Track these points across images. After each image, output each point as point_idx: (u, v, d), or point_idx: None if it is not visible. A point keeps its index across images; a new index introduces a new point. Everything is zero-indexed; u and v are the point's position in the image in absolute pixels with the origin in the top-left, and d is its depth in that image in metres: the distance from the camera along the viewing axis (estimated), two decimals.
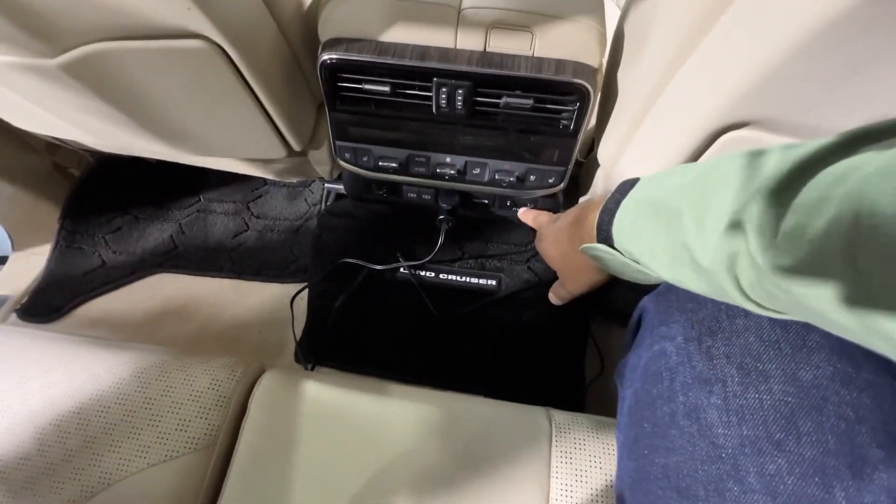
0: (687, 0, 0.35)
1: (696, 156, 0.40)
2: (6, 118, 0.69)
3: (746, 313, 0.24)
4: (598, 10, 0.48)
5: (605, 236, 0.34)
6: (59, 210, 0.92)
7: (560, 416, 0.40)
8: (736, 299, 0.22)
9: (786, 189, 0.19)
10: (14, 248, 0.92)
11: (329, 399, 0.40)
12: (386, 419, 0.39)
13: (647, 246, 0.29)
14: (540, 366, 0.68)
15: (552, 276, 0.74)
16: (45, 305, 0.85)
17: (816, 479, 0.19)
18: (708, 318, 0.26)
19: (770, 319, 0.23)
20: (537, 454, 0.37)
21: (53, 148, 0.88)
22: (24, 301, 0.86)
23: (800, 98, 0.30)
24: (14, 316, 0.85)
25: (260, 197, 0.97)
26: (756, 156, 0.23)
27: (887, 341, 0.15)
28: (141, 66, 0.47)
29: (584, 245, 0.37)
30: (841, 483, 0.19)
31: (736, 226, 0.21)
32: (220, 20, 0.42)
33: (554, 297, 0.58)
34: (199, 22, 0.42)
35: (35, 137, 0.85)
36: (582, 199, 0.64)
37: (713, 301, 0.26)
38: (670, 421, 0.25)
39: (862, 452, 0.19)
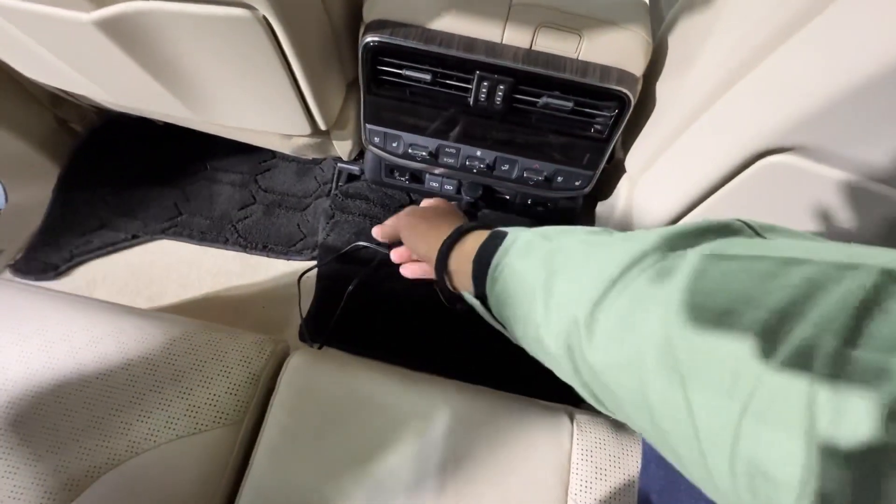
0: (754, 17, 0.35)
1: (730, 176, 0.41)
2: (16, 66, 0.66)
3: None
4: (644, 20, 0.48)
5: (479, 290, 0.31)
6: (59, 165, 0.89)
7: (581, 415, 0.41)
8: (579, 390, 0.24)
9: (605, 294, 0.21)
10: (8, 199, 0.88)
11: (357, 382, 0.40)
12: (414, 407, 0.40)
13: (509, 313, 0.29)
14: (543, 368, 0.70)
15: None
16: (41, 263, 0.83)
17: None
18: None
19: None
20: (558, 450, 0.39)
21: (57, 101, 0.84)
22: (18, 257, 0.83)
23: (860, 130, 0.31)
24: (7, 272, 0.82)
25: (268, 170, 0.95)
26: (595, 245, 0.24)
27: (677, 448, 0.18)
28: (179, 30, 0.46)
29: (465, 294, 0.34)
30: None
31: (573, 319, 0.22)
32: None
33: (407, 270, 0.46)
34: None
35: (39, 88, 0.81)
36: (600, 206, 0.65)
37: None
38: None
39: None
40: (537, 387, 0.69)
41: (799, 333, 0.15)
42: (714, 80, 0.39)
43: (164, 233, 0.87)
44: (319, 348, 0.71)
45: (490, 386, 0.70)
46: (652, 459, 0.32)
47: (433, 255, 0.36)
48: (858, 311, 0.14)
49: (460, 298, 0.40)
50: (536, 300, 0.25)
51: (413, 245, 0.40)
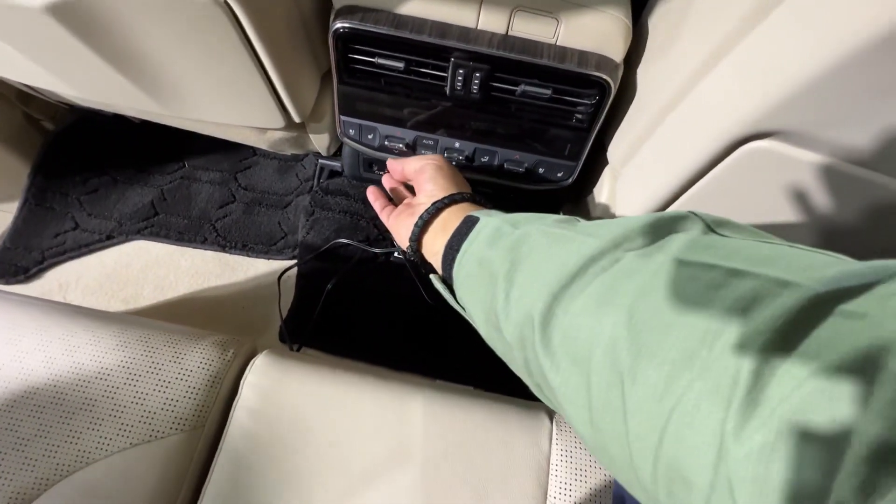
0: (726, 4, 0.34)
1: (711, 164, 0.39)
2: None
3: None
4: (625, 3, 0.46)
5: (447, 273, 0.32)
6: (29, 164, 0.86)
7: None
8: (527, 380, 0.26)
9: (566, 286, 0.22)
10: None
11: (326, 384, 0.38)
12: (386, 408, 0.38)
13: (472, 298, 0.29)
14: None
15: None
16: (9, 265, 0.80)
17: None
18: None
19: None
20: (537, 452, 0.37)
21: (25, 97, 0.81)
22: None
23: (840, 112, 0.29)
24: None
25: (248, 168, 0.93)
26: (559, 240, 0.25)
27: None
28: (137, 16, 0.44)
29: (432, 276, 0.35)
30: None
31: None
32: None
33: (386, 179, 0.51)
34: None
35: (5, 84, 0.78)
36: (588, 197, 0.64)
37: None
38: None
39: None
40: (519, 384, 0.67)
41: (729, 343, 0.16)
42: (691, 64, 0.37)
43: (140, 233, 0.84)
44: (298, 349, 0.69)
45: (471, 384, 0.68)
46: None
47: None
48: (784, 327, 0.15)
49: (423, 267, 0.41)
50: (498, 289, 0.25)
51: (424, 188, 0.42)
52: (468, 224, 0.32)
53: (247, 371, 0.39)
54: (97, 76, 0.54)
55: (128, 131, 0.90)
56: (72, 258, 0.82)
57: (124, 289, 0.80)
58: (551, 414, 0.40)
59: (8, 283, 0.79)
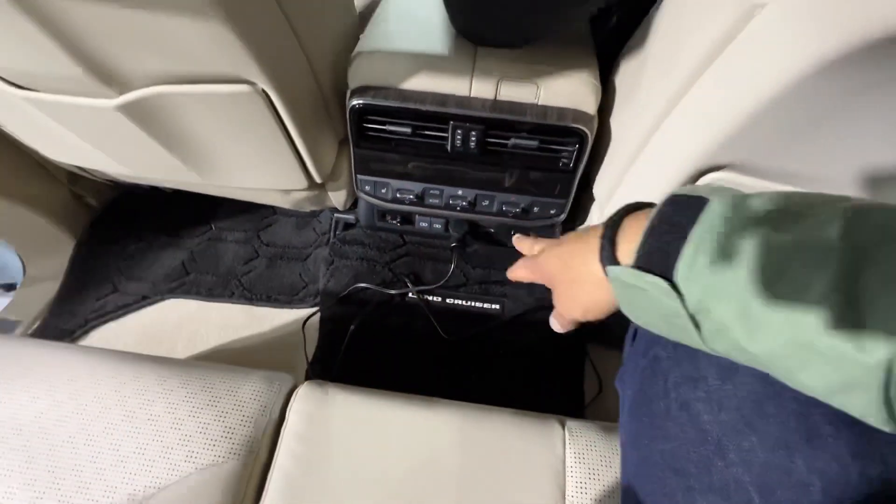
0: (673, 59, 0.42)
1: None
2: (38, 148, 0.73)
3: None
4: (592, 66, 0.55)
5: (652, 263, 0.25)
6: (74, 238, 0.95)
7: (572, 422, 0.44)
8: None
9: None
10: (26, 273, 0.94)
11: (361, 407, 0.43)
12: (414, 426, 0.43)
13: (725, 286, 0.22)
14: (541, 385, 0.72)
15: (552, 301, 0.80)
16: (56, 330, 0.87)
17: (781, 452, 0.24)
18: None
19: None
20: (553, 455, 0.41)
21: (74, 178, 0.91)
22: (35, 326, 0.88)
23: (770, 146, 0.36)
24: None
25: (270, 226, 1.01)
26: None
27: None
28: (190, 107, 0.53)
29: (617, 269, 0.27)
30: (800, 453, 0.24)
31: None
32: (270, 69, 0.48)
33: (557, 325, 0.44)
34: (249, 70, 0.47)
35: (56, 167, 0.89)
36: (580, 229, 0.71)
37: None
38: (665, 414, 0.29)
39: (816, 429, 0.24)
40: (532, 403, 0.70)
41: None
42: (650, 113, 0.45)
43: (173, 292, 0.91)
44: None
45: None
46: (627, 446, 0.35)
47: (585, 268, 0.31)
48: None
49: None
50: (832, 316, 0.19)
51: (558, 275, 0.36)
52: (678, 203, 0.25)
53: (292, 399, 0.44)
54: (149, 155, 0.63)
55: (161, 201, 0.99)
56: (112, 319, 0.88)
57: (160, 345, 0.86)
58: (563, 421, 0.44)
59: None
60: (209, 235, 0.99)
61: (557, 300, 0.39)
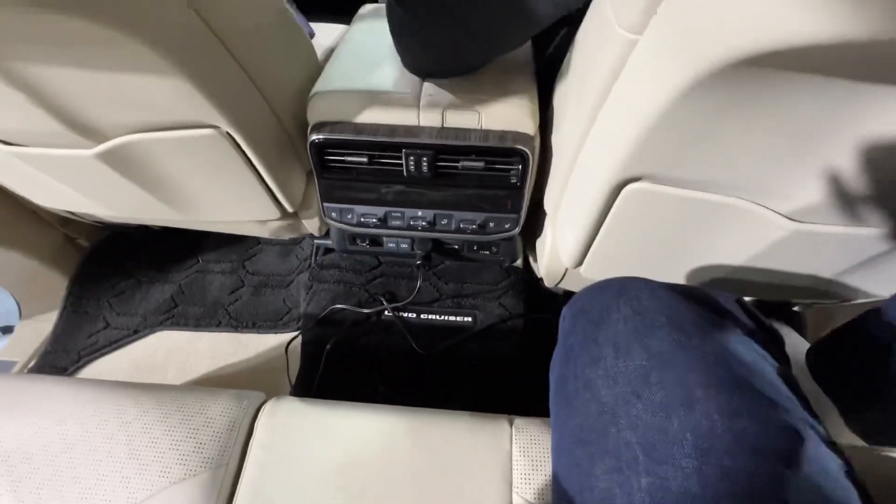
0: (584, 86, 0.47)
1: (609, 202, 0.50)
2: (29, 196, 0.78)
3: (619, 308, 0.34)
4: (530, 89, 0.60)
5: None
6: (68, 278, 0.99)
7: (519, 419, 0.47)
8: None
9: None
10: (22, 315, 0.98)
11: (322, 418, 0.47)
12: (371, 432, 0.46)
13: None
14: (511, 393, 0.75)
15: (520, 311, 0.83)
16: (51, 367, 0.90)
17: (661, 414, 0.28)
18: (595, 314, 0.35)
19: (633, 310, 0.32)
20: (500, 450, 0.44)
21: (65, 221, 0.96)
22: (30, 364, 0.91)
23: (671, 159, 0.41)
24: None
25: (254, 255, 1.06)
26: None
27: None
28: (162, 151, 0.58)
29: None
30: (676, 414, 0.27)
31: None
32: (231, 113, 0.53)
33: None
34: (212, 116, 0.52)
35: (49, 212, 0.94)
36: (538, 243, 0.75)
37: (600, 302, 0.35)
38: (574, 393, 0.33)
39: (690, 394, 0.27)
40: (506, 410, 0.73)
41: None
42: (575, 133, 0.50)
43: (162, 324, 0.95)
44: None
45: None
46: (553, 429, 0.37)
47: None
48: None
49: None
50: None
51: None
52: None
53: (259, 414, 0.47)
54: (131, 197, 0.68)
55: (150, 239, 1.04)
56: (104, 354, 0.92)
57: (151, 376, 0.89)
58: (511, 419, 0.47)
59: None
60: (197, 268, 1.04)
61: None
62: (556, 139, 0.61)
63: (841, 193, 0.41)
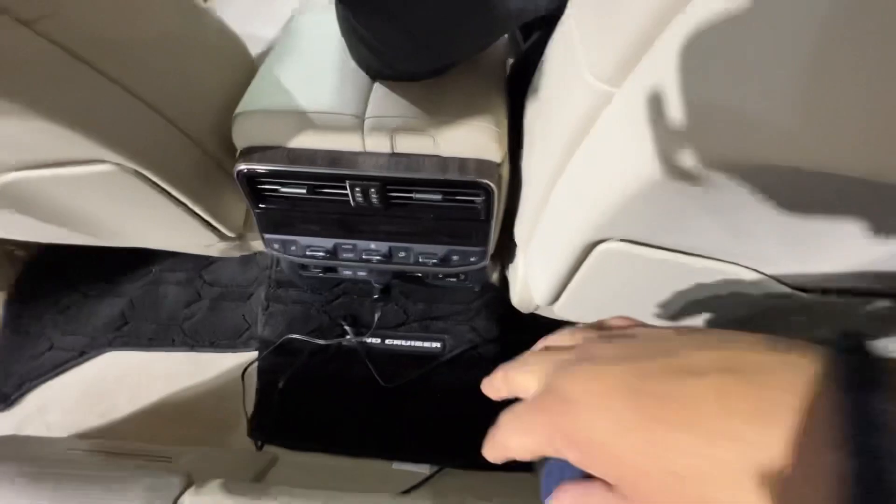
0: (551, 126, 0.38)
1: (581, 257, 0.42)
2: None
3: None
4: (494, 110, 0.51)
5: None
6: (4, 294, 0.91)
7: None
8: None
9: None
10: None
11: None
12: None
13: None
14: (485, 427, 0.70)
15: (494, 335, 0.77)
16: None
17: None
18: None
19: None
20: None
21: None
22: None
23: (652, 227, 0.33)
24: None
25: (212, 263, 0.98)
26: None
27: None
28: (57, 189, 0.49)
29: None
30: None
31: None
32: (121, 146, 0.43)
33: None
34: (98, 151, 0.43)
35: None
36: (510, 268, 0.67)
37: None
38: None
39: None
40: (468, 451, 0.68)
41: None
42: (543, 173, 0.41)
43: (111, 344, 0.89)
44: (261, 447, 0.71)
45: (429, 461, 0.70)
46: None
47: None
48: None
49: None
50: None
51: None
52: None
53: None
54: (45, 231, 0.59)
55: (96, 248, 0.95)
56: (49, 379, 0.86)
57: (101, 403, 0.84)
58: None
59: None
60: (150, 279, 0.96)
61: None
62: (527, 166, 0.52)
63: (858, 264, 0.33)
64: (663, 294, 0.43)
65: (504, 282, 0.82)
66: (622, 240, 0.38)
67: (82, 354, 0.87)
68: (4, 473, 0.43)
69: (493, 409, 0.24)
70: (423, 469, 0.67)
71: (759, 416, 0.14)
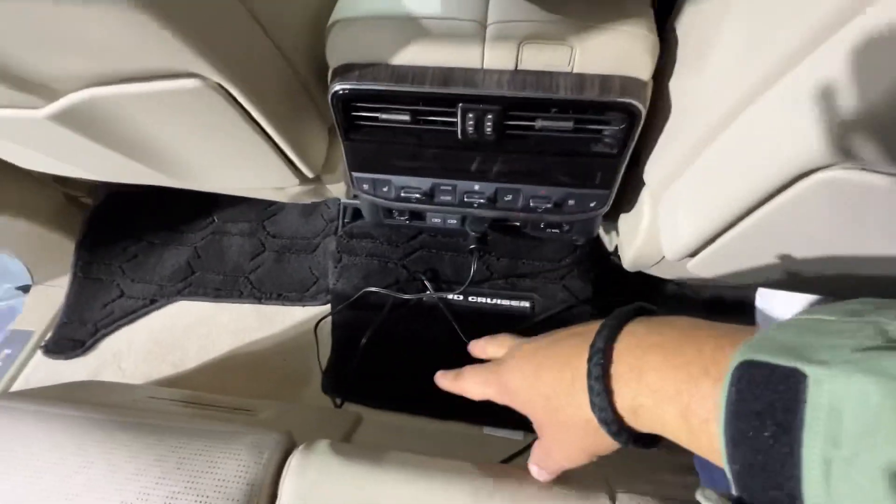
0: (771, 20, 0.28)
1: (769, 196, 0.34)
2: (8, 159, 0.66)
3: None
4: (645, 14, 0.41)
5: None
6: (74, 240, 0.90)
7: (624, 495, 0.35)
8: None
9: None
10: (34, 281, 0.90)
11: (364, 482, 0.36)
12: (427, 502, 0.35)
13: None
14: None
15: (587, 295, 0.69)
16: (68, 341, 0.84)
17: None
18: None
19: None
20: None
21: (62, 179, 0.85)
22: (47, 337, 0.85)
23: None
24: (40, 353, 0.84)
25: (275, 215, 0.93)
26: None
27: None
28: (135, 109, 0.43)
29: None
30: None
31: None
32: (215, 56, 0.37)
33: (536, 470, 0.33)
34: (192, 61, 0.37)
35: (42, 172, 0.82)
36: (623, 217, 0.58)
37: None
38: None
39: None
40: None
41: None
42: (737, 83, 0.32)
43: (180, 294, 0.86)
44: (340, 405, 0.67)
45: (520, 427, 0.64)
46: None
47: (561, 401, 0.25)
48: None
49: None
50: None
51: (522, 396, 0.29)
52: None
53: (284, 472, 0.37)
54: (110, 164, 0.55)
55: (158, 196, 0.92)
56: (121, 326, 0.85)
57: (171, 353, 0.82)
58: (612, 494, 0.36)
59: (68, 357, 0.83)
60: (212, 229, 0.92)
61: (541, 441, 0.31)
62: (681, 86, 0.42)
63: None
64: (861, 242, 0.34)
65: (598, 239, 0.74)
66: (845, 167, 0.29)
67: (152, 303, 0.86)
68: (100, 422, 0.39)
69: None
70: (517, 436, 0.62)
71: (580, 353, 0.24)
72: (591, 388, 0.23)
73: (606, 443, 0.25)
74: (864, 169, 0.29)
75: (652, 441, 0.24)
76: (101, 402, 0.51)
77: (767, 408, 0.16)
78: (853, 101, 0.25)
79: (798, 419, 0.15)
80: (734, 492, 0.18)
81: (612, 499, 0.35)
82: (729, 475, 0.18)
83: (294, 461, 0.37)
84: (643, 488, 0.36)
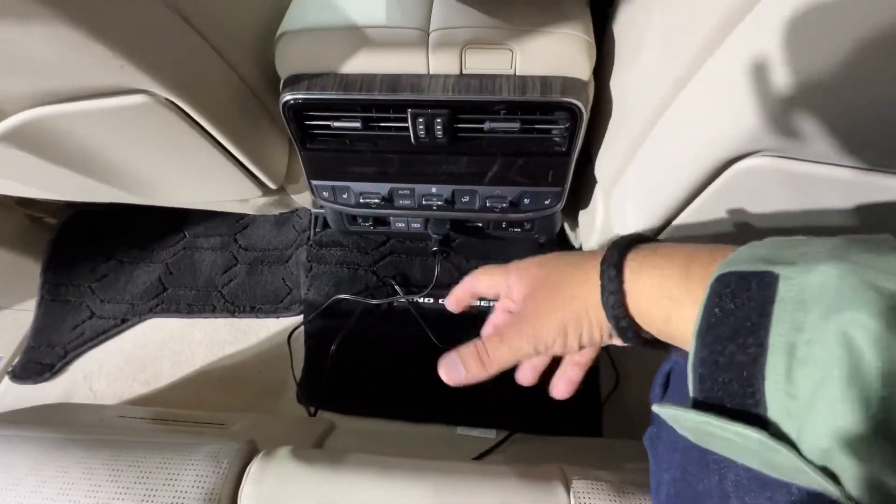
0: (680, 21, 0.30)
1: (702, 186, 0.35)
2: None
3: None
4: (582, 18, 0.43)
5: (725, 391, 0.18)
6: (40, 262, 0.89)
7: (579, 482, 0.36)
8: None
9: None
10: (0, 306, 0.89)
11: (322, 489, 0.36)
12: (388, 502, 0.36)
13: None
14: (542, 396, 0.65)
15: None
16: (36, 364, 0.82)
17: None
18: None
19: None
20: None
21: (24, 200, 0.84)
22: (15, 362, 0.83)
23: (845, 119, 0.25)
24: (6, 379, 0.82)
25: (246, 227, 0.93)
26: None
27: None
28: (86, 127, 0.43)
29: (672, 412, 0.20)
30: None
31: None
32: (158, 71, 0.37)
33: (489, 330, 0.35)
34: (135, 77, 0.37)
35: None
36: (582, 214, 0.60)
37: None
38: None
39: None
40: (541, 406, 0.63)
41: None
42: (663, 78, 0.33)
43: (152, 311, 0.85)
44: (314, 413, 0.67)
45: (493, 425, 0.65)
46: None
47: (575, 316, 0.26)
48: None
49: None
50: None
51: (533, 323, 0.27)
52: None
53: (243, 482, 0.37)
54: (70, 183, 0.54)
55: (126, 213, 0.92)
56: (92, 347, 0.84)
57: (144, 370, 0.81)
58: (567, 481, 0.36)
59: (36, 381, 0.81)
60: (183, 244, 0.92)
61: (521, 314, 0.28)
62: (620, 83, 0.44)
63: None
64: (791, 221, 0.36)
65: (564, 238, 0.75)
66: (767, 155, 0.30)
67: (123, 322, 0.85)
68: (58, 441, 0.39)
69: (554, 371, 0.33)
70: (490, 434, 0.63)
71: (593, 259, 0.26)
72: (603, 273, 0.25)
73: (588, 322, 0.26)
74: (784, 156, 0.31)
75: (635, 336, 0.25)
76: (66, 423, 0.50)
77: (740, 307, 0.17)
78: (771, 85, 0.26)
79: (767, 312, 0.17)
80: (692, 394, 0.19)
81: (567, 487, 0.36)
82: (690, 375, 0.19)
83: (253, 468, 0.38)
84: (599, 475, 0.37)
